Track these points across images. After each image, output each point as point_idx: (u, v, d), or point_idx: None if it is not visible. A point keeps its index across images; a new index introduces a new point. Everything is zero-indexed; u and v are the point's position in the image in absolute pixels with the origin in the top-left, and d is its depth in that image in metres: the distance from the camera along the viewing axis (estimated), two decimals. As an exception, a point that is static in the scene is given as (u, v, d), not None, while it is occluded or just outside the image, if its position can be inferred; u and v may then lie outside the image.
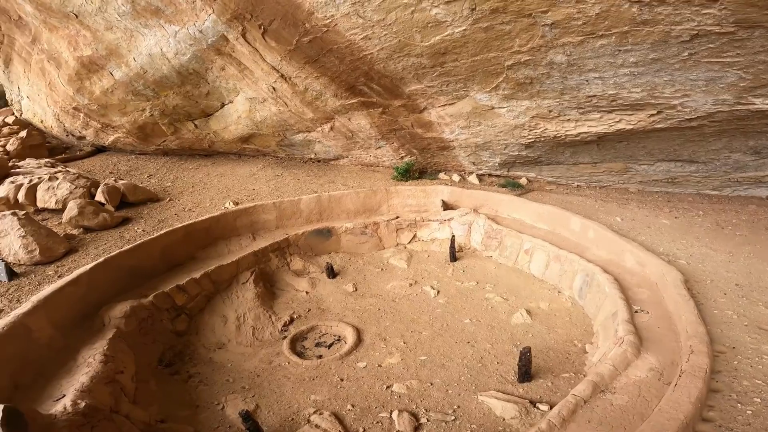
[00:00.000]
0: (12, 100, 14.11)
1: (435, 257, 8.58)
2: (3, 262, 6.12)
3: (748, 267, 6.40)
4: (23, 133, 12.66)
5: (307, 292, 7.62)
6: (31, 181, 8.68)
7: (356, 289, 7.69)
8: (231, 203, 9.09)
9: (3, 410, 3.21)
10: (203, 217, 7.89)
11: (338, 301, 7.36)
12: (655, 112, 6.68)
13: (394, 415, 4.79)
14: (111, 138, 12.35)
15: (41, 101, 12.49)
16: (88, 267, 5.83)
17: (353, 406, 5.01)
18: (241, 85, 9.65)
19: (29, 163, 10.74)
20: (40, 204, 8.43)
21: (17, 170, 9.88)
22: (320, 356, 6.07)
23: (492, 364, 5.60)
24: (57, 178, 8.72)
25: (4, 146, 12.41)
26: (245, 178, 11.04)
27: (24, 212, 7.12)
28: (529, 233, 7.94)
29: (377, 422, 4.75)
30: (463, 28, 6.08)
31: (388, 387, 5.31)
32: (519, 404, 4.74)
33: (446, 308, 6.97)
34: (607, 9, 5.06)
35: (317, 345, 6.39)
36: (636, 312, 5.36)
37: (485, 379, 5.34)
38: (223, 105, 10.68)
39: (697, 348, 4.41)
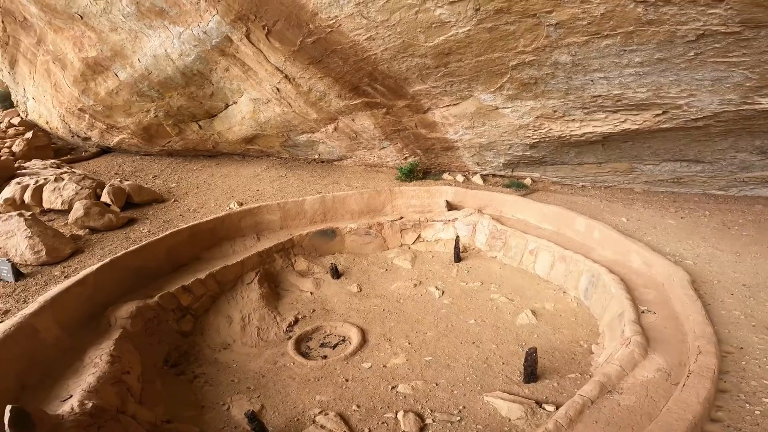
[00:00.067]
0: (17, 101, 14.20)
1: (439, 258, 8.57)
2: (10, 263, 6.15)
3: (755, 267, 6.36)
4: (29, 134, 12.73)
5: (311, 293, 7.62)
6: (37, 182, 8.73)
7: (361, 290, 7.68)
8: (235, 204, 9.12)
9: (11, 411, 3.23)
10: (208, 218, 7.90)
11: (343, 301, 7.36)
12: (660, 112, 6.65)
13: (400, 415, 4.78)
14: (116, 139, 12.41)
15: (47, 102, 12.56)
16: (94, 267, 5.84)
17: (358, 406, 5.00)
18: (245, 86, 9.67)
19: (35, 164, 10.80)
20: (46, 205, 8.47)
21: (23, 171, 9.94)
22: (325, 357, 6.06)
23: (497, 364, 5.59)
24: (63, 179, 8.77)
25: (9, 147, 12.48)
26: (249, 178, 11.06)
27: (30, 213, 7.17)
28: (534, 233, 7.92)
29: (382, 423, 4.74)
30: (468, 28, 6.07)
31: (393, 387, 5.30)
32: (525, 405, 4.72)
33: (451, 309, 6.96)
34: (612, 9, 5.04)
35: (322, 345, 6.38)
36: (643, 312, 5.34)
37: (491, 379, 5.32)
38: (227, 106, 10.71)
39: (705, 348, 4.38)
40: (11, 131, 13.69)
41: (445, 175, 10.83)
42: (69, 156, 13.26)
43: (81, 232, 7.71)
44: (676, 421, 3.57)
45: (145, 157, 12.96)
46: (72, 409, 3.81)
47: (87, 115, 11.86)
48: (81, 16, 8.91)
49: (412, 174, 10.54)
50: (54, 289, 5.31)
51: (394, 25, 6.41)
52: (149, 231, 7.89)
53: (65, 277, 6.27)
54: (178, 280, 6.65)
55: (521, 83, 6.99)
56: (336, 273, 8.02)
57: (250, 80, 9.34)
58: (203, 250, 7.56)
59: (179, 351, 6.05)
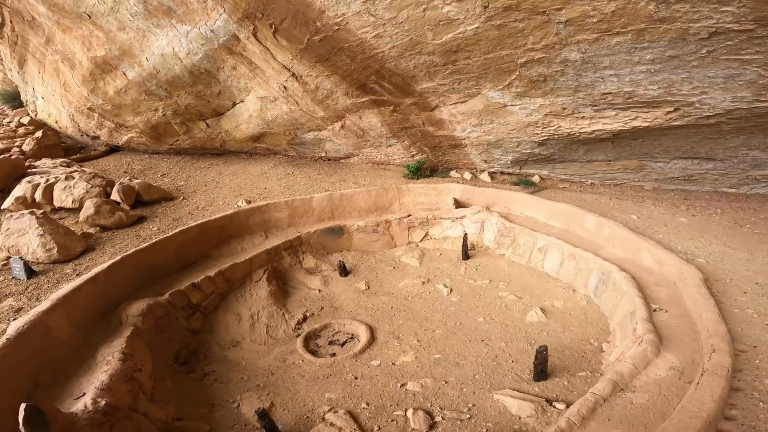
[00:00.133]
0: (27, 100, 14.30)
1: (447, 255, 8.55)
2: (22, 261, 6.20)
3: (768, 265, 6.30)
4: (39, 134, 12.82)
5: (319, 290, 7.63)
6: (47, 180, 8.80)
7: (369, 287, 7.69)
8: (243, 202, 9.14)
9: (24, 409, 3.24)
10: (216, 216, 7.94)
11: (351, 299, 7.37)
12: (672, 109, 6.59)
13: (409, 413, 4.79)
14: (125, 138, 12.48)
15: (56, 102, 12.65)
16: (105, 265, 5.88)
17: (368, 404, 5.01)
18: (252, 84, 9.68)
19: (45, 162, 10.88)
20: (56, 203, 8.54)
21: (34, 170, 10.02)
22: (334, 354, 6.08)
23: (507, 362, 5.57)
24: (73, 178, 8.83)
25: (20, 146, 12.57)
26: (257, 176, 11.09)
27: (42, 211, 7.22)
28: (543, 231, 7.89)
29: (392, 420, 4.75)
30: (476, 25, 6.04)
31: (402, 385, 5.31)
32: (535, 403, 4.71)
33: (459, 306, 6.95)
34: (623, 6, 4.99)
35: (330, 343, 6.40)
36: (655, 311, 5.30)
37: (500, 377, 5.31)
38: (234, 104, 10.73)
39: (719, 347, 4.35)
40: (21, 130, 13.78)
41: (453, 173, 10.79)
42: (78, 155, 13.34)
43: (92, 230, 7.77)
44: (690, 419, 3.55)
45: (153, 155, 13.03)
46: (85, 407, 3.83)
47: (96, 114, 11.93)
48: (89, 16, 8.95)
49: (419, 172, 10.52)
50: (66, 287, 5.35)
51: (401, 22, 6.39)
52: (159, 229, 7.94)
53: (77, 275, 6.31)
54: (188, 278, 6.68)
55: (530, 81, 6.94)
56: (344, 270, 8.03)
57: (257, 78, 9.35)
58: (212, 248, 7.60)
59: (189, 348, 6.09)
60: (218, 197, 9.67)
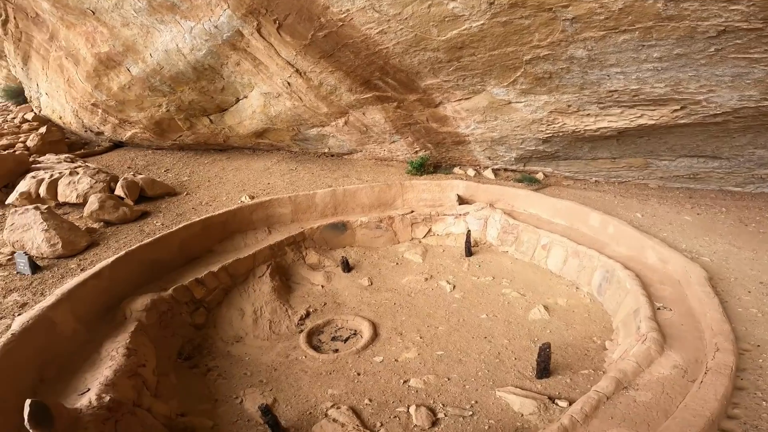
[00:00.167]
0: (31, 97, 14.34)
1: (450, 252, 8.55)
2: (26, 256, 6.24)
3: (773, 264, 6.27)
4: (43, 129, 12.87)
5: (322, 286, 7.64)
6: (51, 176, 8.83)
7: (371, 283, 7.70)
8: (247, 197, 9.16)
9: (30, 405, 3.24)
10: (220, 211, 7.96)
11: (354, 295, 7.38)
12: (678, 107, 6.54)
13: (412, 409, 4.80)
14: (128, 133, 12.50)
15: (60, 98, 12.68)
16: (110, 260, 5.91)
17: (370, 400, 5.02)
18: (255, 80, 9.68)
19: (49, 158, 10.92)
20: (61, 198, 8.58)
21: (38, 165, 10.06)
22: (336, 350, 6.09)
23: (509, 359, 5.57)
24: (78, 173, 8.86)
25: (24, 142, 12.62)
26: (260, 172, 11.10)
27: (46, 206, 7.25)
28: (547, 228, 7.86)
29: (394, 417, 4.76)
30: (481, 22, 6.00)
31: (405, 381, 5.32)
32: (537, 400, 4.71)
33: (462, 303, 6.94)
34: (631, 4, 4.95)
35: (333, 339, 6.41)
36: (659, 309, 5.28)
37: (503, 374, 5.31)
38: (238, 100, 10.73)
39: (723, 346, 4.34)
40: (25, 126, 13.84)
41: (456, 170, 10.77)
42: (82, 150, 13.38)
43: (96, 225, 7.80)
44: (693, 417, 3.55)
45: (157, 151, 13.06)
46: (90, 402, 3.84)
47: (100, 110, 11.96)
48: (93, 12, 8.95)
49: (422, 168, 10.51)
50: (71, 282, 5.38)
51: (406, 18, 6.35)
52: (162, 224, 7.96)
53: (81, 270, 6.35)
54: (192, 273, 6.71)
55: (535, 78, 6.91)
56: (347, 266, 8.03)
57: (261, 74, 9.34)
58: (215, 243, 7.62)
59: (192, 344, 6.11)
60: (221, 193, 9.69)
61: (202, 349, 6.08)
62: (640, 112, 6.96)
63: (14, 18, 11.53)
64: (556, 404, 4.68)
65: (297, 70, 8.67)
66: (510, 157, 9.82)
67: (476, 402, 4.88)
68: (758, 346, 4.62)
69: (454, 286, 7.41)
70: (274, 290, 7.14)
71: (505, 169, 10.56)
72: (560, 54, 6.19)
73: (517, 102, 7.75)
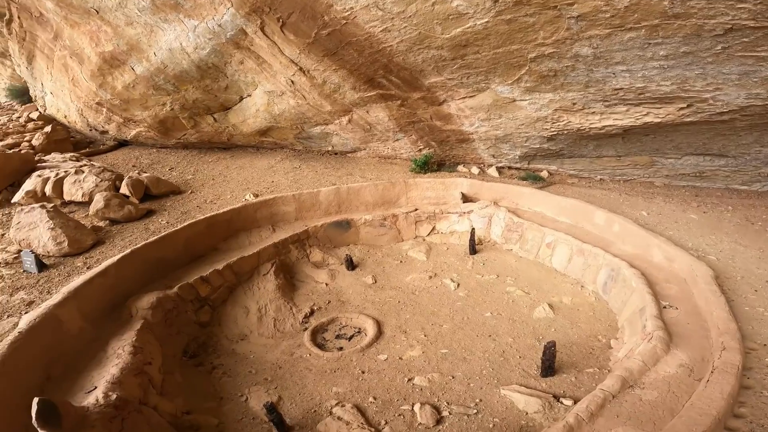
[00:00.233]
0: (36, 96, 14.39)
1: (454, 250, 8.54)
2: (33, 254, 6.27)
3: (780, 263, 6.23)
4: (48, 128, 12.92)
5: (326, 284, 7.65)
6: (57, 174, 8.87)
7: (375, 281, 7.70)
8: (251, 195, 9.17)
9: (38, 403, 3.25)
10: (225, 209, 7.97)
11: (358, 293, 7.38)
12: (684, 105, 6.50)
13: (416, 407, 4.80)
14: (133, 132, 12.54)
15: (64, 97, 12.72)
16: (115, 258, 5.93)
17: (375, 398, 5.03)
18: (259, 78, 9.68)
19: (55, 157, 10.97)
20: (66, 197, 8.61)
21: (43, 164, 10.11)
22: (341, 348, 6.10)
23: (514, 358, 5.57)
24: (83, 172, 8.90)
25: (29, 141, 12.68)
26: (264, 170, 11.11)
27: (52, 205, 7.29)
28: (551, 227, 7.84)
29: (399, 415, 4.77)
30: (486, 20, 5.98)
31: (409, 380, 5.32)
32: (542, 398, 4.71)
33: (466, 301, 6.94)
34: (637, 2, 4.93)
35: (338, 337, 6.42)
36: (665, 308, 5.26)
37: (507, 373, 5.31)
38: (241, 98, 10.74)
39: (729, 344, 4.32)
40: (30, 125, 13.91)
41: (460, 167, 10.75)
42: (87, 149, 13.43)
43: (101, 224, 7.83)
44: (699, 416, 3.54)
45: (161, 149, 13.09)
46: (97, 400, 3.85)
47: (104, 109, 11.99)
48: (97, 11, 8.97)
49: (426, 166, 10.49)
50: (77, 280, 5.40)
51: (410, 16, 6.34)
52: (167, 222, 7.99)
53: (87, 268, 6.38)
54: (196, 271, 6.73)
55: (540, 75, 6.88)
56: (351, 264, 8.04)
57: (265, 73, 9.34)
58: (220, 241, 7.64)
59: (197, 342, 6.14)
60: (226, 191, 9.70)
61: (207, 347, 6.10)
62: (646, 110, 6.92)
63: (18, 17, 11.57)
64: (561, 402, 4.68)
65: (300, 69, 8.67)
66: (514, 155, 9.79)
67: (481, 400, 4.88)
68: (765, 344, 4.59)
69: (459, 285, 7.40)
70: (279, 288, 7.15)
71: (510, 167, 10.53)
72: (565, 52, 6.16)
73: (521, 100, 7.72)
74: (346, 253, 8.21)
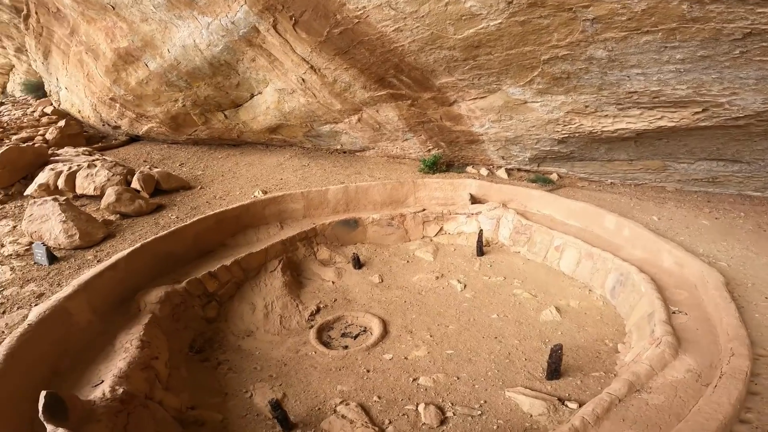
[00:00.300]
0: (50, 91, 14.62)
1: (461, 251, 8.51)
2: (44, 246, 6.34)
3: (792, 271, 6.13)
4: (62, 123, 13.11)
5: (333, 282, 7.67)
6: (70, 168, 8.98)
7: (382, 281, 7.70)
8: (260, 192, 9.22)
9: (45, 396, 3.27)
10: (233, 205, 8.03)
11: (364, 291, 7.39)
12: (700, 109, 6.42)
13: (421, 407, 4.80)
14: (145, 128, 12.67)
15: (79, 92, 12.90)
16: (125, 252, 5.99)
17: (379, 397, 5.03)
18: (270, 76, 9.73)
19: (68, 151, 11.11)
20: (78, 190, 8.72)
21: (56, 158, 10.24)
22: (346, 347, 6.11)
23: (520, 360, 5.54)
24: (95, 166, 9.01)
25: (43, 135, 12.87)
26: (273, 167, 11.17)
27: (64, 198, 7.38)
28: (560, 230, 7.78)
29: (403, 414, 4.76)
30: (499, 21, 5.95)
31: (414, 380, 5.31)
32: (547, 401, 4.68)
33: (473, 303, 6.92)
34: (655, 5, 4.86)
35: (343, 335, 6.43)
36: (674, 313, 5.21)
37: (512, 375, 5.28)
38: (252, 96, 10.80)
39: (738, 351, 4.27)
40: (44, 120, 14.11)
41: (469, 168, 10.72)
42: (100, 144, 13.62)
43: (112, 217, 7.92)
44: (706, 420, 3.51)
45: (172, 145, 13.22)
46: (103, 394, 3.86)
47: (118, 105, 12.14)
48: (113, 7, 9.08)
49: (435, 166, 10.48)
50: (87, 273, 5.46)
51: (422, 16, 6.33)
52: (177, 217, 8.05)
53: (98, 261, 6.44)
54: (205, 266, 6.78)
55: (552, 77, 6.83)
56: (358, 263, 8.05)
57: (276, 70, 9.39)
58: (228, 237, 7.69)
59: (204, 337, 6.18)
60: (235, 187, 9.77)
61: (213, 343, 6.14)
62: (660, 113, 6.84)
63: (36, 13, 11.75)
64: (566, 405, 4.64)
65: (312, 67, 8.70)
66: (524, 157, 9.74)
67: (485, 402, 4.87)
68: (775, 352, 4.53)
69: (465, 286, 7.38)
70: (285, 285, 7.18)
71: (519, 169, 10.47)
72: (579, 54, 6.11)
73: (533, 102, 7.68)
74: (353, 252, 8.22)
